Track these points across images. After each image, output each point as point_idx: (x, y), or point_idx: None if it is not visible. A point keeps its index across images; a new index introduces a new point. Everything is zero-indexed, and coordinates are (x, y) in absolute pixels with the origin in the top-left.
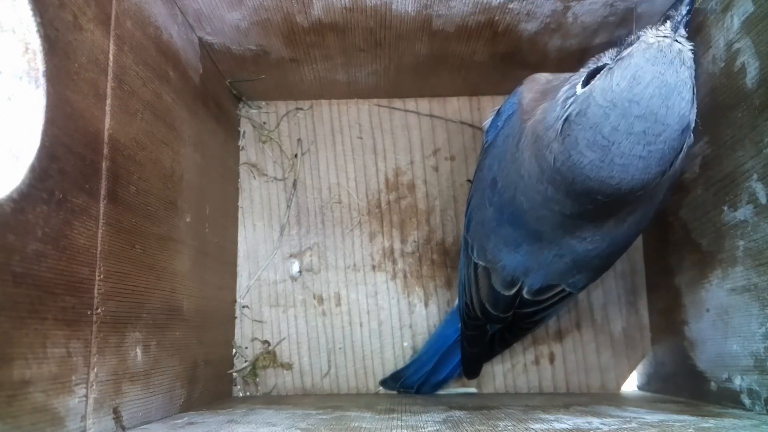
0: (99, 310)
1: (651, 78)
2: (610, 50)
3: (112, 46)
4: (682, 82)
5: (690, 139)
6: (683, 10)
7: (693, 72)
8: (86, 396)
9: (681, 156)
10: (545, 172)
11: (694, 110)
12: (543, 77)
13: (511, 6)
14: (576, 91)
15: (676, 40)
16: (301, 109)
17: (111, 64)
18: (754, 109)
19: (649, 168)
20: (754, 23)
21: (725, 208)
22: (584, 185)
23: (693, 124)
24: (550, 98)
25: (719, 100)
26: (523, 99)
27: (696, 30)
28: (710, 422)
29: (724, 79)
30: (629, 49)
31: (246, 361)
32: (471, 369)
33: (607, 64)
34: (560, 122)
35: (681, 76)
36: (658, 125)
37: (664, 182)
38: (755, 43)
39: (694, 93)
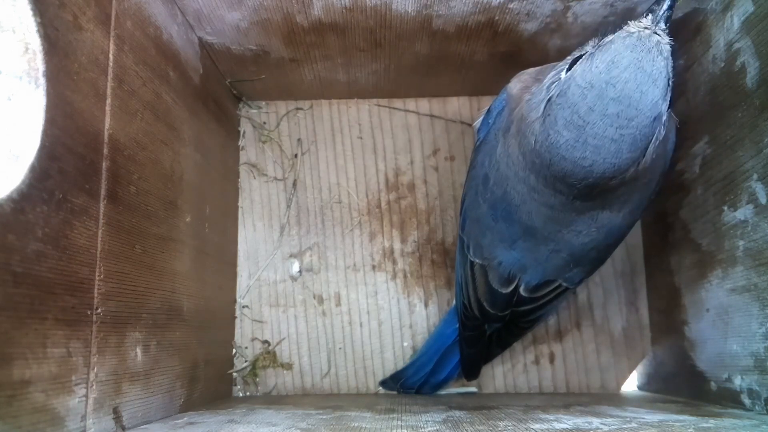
0: (99, 310)
1: (628, 63)
2: (593, 39)
3: (112, 46)
4: (657, 71)
5: (662, 130)
6: (665, 5)
7: (670, 64)
8: (86, 396)
9: (652, 147)
10: (527, 157)
11: (668, 100)
12: (531, 71)
13: (511, 6)
14: (560, 77)
15: (656, 32)
16: (301, 109)
17: (111, 64)
18: (754, 109)
19: (621, 152)
20: (754, 23)
21: (725, 208)
22: (559, 166)
23: (665, 116)
24: (537, 85)
25: (719, 100)
26: (512, 90)
27: (696, 30)
28: (710, 422)
29: (724, 79)
30: (611, 37)
31: (246, 361)
32: (470, 370)
33: (589, 51)
34: (543, 104)
35: (657, 65)
36: (631, 109)
37: (653, 169)
38: (755, 43)
39: (668, 84)
